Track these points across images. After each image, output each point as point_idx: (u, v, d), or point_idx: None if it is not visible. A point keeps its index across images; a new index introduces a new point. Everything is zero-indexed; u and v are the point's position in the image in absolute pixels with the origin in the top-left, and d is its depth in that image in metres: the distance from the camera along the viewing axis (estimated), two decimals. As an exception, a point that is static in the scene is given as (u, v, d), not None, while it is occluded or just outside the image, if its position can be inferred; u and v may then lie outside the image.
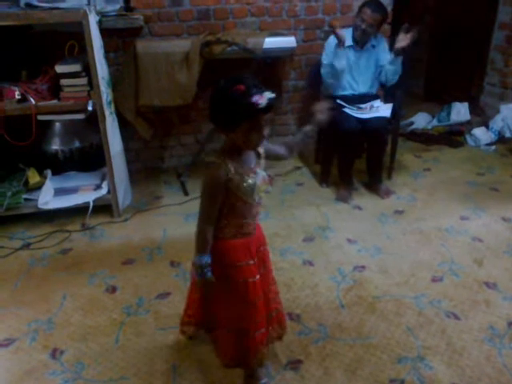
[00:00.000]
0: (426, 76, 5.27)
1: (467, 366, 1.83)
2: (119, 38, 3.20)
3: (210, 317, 1.72)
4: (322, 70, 3.18)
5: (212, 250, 1.51)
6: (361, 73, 3.20)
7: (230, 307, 1.59)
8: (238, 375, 1.78)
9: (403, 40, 2.98)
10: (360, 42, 3.13)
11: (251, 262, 1.56)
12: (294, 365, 1.84)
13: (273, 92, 1.32)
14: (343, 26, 3.15)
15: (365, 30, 3.03)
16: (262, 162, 1.52)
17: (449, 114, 4.38)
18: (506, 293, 2.23)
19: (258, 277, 1.57)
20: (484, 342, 1.94)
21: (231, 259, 1.54)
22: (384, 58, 3.14)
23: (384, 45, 3.19)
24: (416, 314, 2.10)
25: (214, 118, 1.41)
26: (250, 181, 1.44)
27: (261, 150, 1.52)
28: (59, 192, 2.94)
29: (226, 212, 1.48)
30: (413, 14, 5.05)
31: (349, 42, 3.13)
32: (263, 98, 1.30)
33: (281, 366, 1.84)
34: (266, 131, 1.39)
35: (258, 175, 1.47)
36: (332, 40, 3.15)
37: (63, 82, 2.64)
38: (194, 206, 3.03)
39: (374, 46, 3.16)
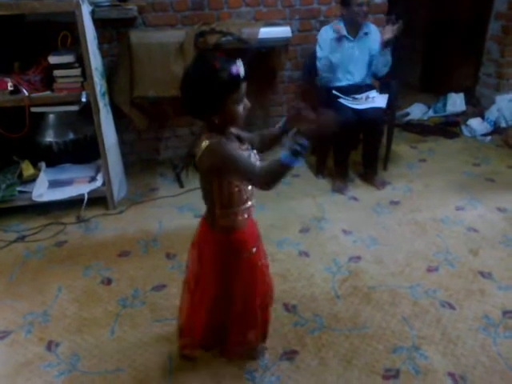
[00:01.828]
0: (421, 67, 5.25)
1: (462, 355, 1.84)
2: (113, 28, 3.18)
3: (227, 321, 1.68)
4: (318, 64, 3.16)
5: (227, 243, 1.53)
6: (355, 62, 3.18)
7: (254, 293, 1.62)
8: (233, 365, 1.80)
9: (388, 32, 3.02)
10: (353, 30, 3.11)
11: (258, 243, 1.62)
12: (290, 355, 1.85)
13: (239, 58, 1.32)
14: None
15: (367, 12, 3.03)
16: (246, 145, 1.49)
17: (444, 104, 4.38)
18: (501, 282, 2.23)
19: (263, 260, 1.65)
20: (479, 331, 1.95)
21: (247, 247, 1.56)
22: (376, 48, 3.12)
23: (377, 34, 3.17)
24: (411, 304, 2.10)
25: (193, 106, 1.36)
26: (244, 153, 1.43)
27: (241, 133, 1.50)
28: (54, 184, 2.93)
29: (230, 195, 1.46)
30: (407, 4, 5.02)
31: (342, 32, 3.11)
32: (240, 67, 1.30)
33: (276, 356, 1.84)
34: (248, 102, 1.38)
35: (247, 151, 1.46)
36: (324, 33, 3.14)
37: (56, 73, 2.62)
38: (190, 197, 3.04)
39: (366, 34, 3.15)
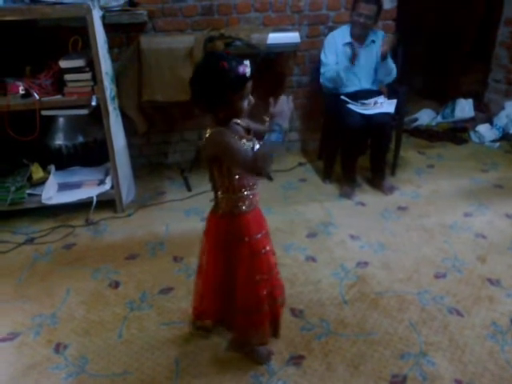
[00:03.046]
0: (430, 72, 5.24)
1: (470, 361, 1.83)
2: (123, 33, 3.20)
3: (233, 304, 1.72)
4: (322, 69, 3.18)
5: (231, 227, 1.61)
6: (362, 69, 3.19)
7: (257, 281, 1.65)
8: (240, 369, 1.80)
9: (383, 45, 3.07)
10: (360, 38, 3.13)
11: (264, 232, 1.68)
12: (297, 360, 1.85)
13: (247, 59, 1.43)
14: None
15: (364, 24, 3.04)
16: (251, 136, 1.57)
17: (453, 110, 4.36)
18: (509, 289, 2.22)
19: (268, 248, 1.69)
20: (487, 338, 1.94)
21: (250, 232, 1.62)
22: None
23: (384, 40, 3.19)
24: (419, 310, 2.10)
25: (201, 100, 1.47)
26: (247, 143, 1.52)
27: (252, 125, 1.59)
28: (63, 187, 2.95)
29: (230, 181, 1.55)
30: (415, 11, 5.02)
31: (348, 38, 3.14)
32: (247, 67, 1.40)
33: (283, 361, 1.84)
34: (252, 98, 1.49)
35: (254, 141, 1.55)
36: (331, 38, 3.16)
37: (67, 77, 2.64)
38: (198, 201, 3.06)
39: (373, 41, 3.17)
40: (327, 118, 3.43)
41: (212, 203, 1.66)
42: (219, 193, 1.59)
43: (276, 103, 1.51)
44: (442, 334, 1.96)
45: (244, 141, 1.51)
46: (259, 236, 1.64)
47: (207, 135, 1.49)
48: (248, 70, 1.40)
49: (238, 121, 1.56)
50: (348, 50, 3.16)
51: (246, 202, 1.59)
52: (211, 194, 1.65)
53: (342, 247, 2.58)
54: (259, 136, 1.57)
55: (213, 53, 1.48)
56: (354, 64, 3.11)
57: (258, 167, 1.44)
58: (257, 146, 1.53)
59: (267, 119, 1.54)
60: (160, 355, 1.88)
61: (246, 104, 1.47)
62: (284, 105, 1.50)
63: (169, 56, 2.99)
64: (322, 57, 3.20)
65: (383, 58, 3.10)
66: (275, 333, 1.82)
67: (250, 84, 1.44)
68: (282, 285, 1.83)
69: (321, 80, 3.23)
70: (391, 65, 3.17)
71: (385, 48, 3.06)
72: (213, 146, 1.49)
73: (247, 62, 1.41)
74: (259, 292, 1.67)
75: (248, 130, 1.57)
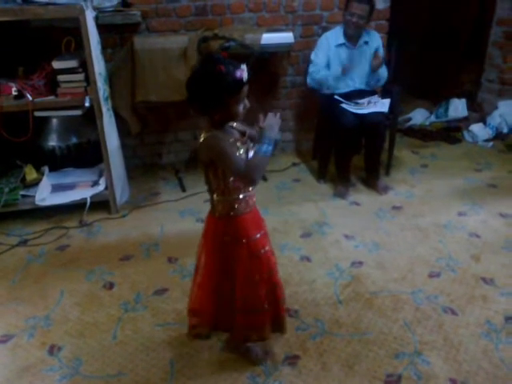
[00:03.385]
0: (423, 72, 5.26)
1: (464, 360, 1.83)
2: (117, 33, 3.19)
3: (232, 305, 1.70)
4: (311, 68, 3.20)
5: (229, 229, 1.61)
6: (356, 70, 3.19)
7: (257, 281, 1.65)
8: (235, 370, 1.80)
9: (374, 60, 3.16)
10: (353, 38, 3.15)
11: (262, 232, 1.67)
12: (292, 360, 1.85)
13: (244, 62, 1.44)
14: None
15: (356, 23, 3.04)
16: (246, 139, 1.58)
17: (446, 110, 4.38)
18: (503, 288, 2.23)
19: (267, 248, 1.68)
20: (481, 336, 1.95)
21: (248, 234, 1.62)
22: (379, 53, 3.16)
23: (378, 42, 3.20)
24: (413, 310, 2.10)
25: (197, 103, 1.47)
26: (242, 148, 1.53)
27: (246, 128, 1.60)
28: (56, 188, 2.94)
29: (226, 184, 1.55)
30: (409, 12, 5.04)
31: (341, 39, 3.15)
32: (244, 72, 1.42)
33: (278, 361, 1.84)
34: (247, 102, 1.50)
35: (248, 144, 1.56)
36: (325, 40, 3.18)
37: (60, 77, 2.64)
38: (192, 202, 3.05)
39: (366, 43, 3.17)
40: (321, 117, 3.43)
41: (208, 204, 1.66)
42: (215, 195, 1.59)
43: (265, 118, 1.54)
44: (436, 333, 1.97)
45: (239, 144, 1.52)
46: (258, 236, 1.64)
47: (202, 139, 1.50)
48: (245, 75, 1.41)
49: (234, 124, 1.57)
50: (342, 51, 3.16)
51: (243, 204, 1.59)
52: (206, 195, 1.65)
53: (336, 247, 2.58)
54: (253, 140, 1.59)
55: (210, 56, 1.48)
56: (345, 75, 3.15)
57: (250, 176, 1.47)
58: (251, 152, 1.54)
59: (257, 129, 1.56)
60: (155, 356, 1.88)
61: (241, 108, 1.48)
62: (272, 119, 1.54)
63: (162, 56, 2.99)
64: (313, 56, 3.21)
65: (373, 70, 3.17)
66: (281, 329, 1.81)
67: (246, 88, 1.45)
68: (282, 284, 1.84)
69: (307, 79, 3.24)
70: (378, 75, 3.22)
71: (375, 64, 3.13)
72: (208, 151, 1.49)
73: (244, 67, 1.42)
74: (259, 292, 1.67)
75: (243, 133, 1.58)
